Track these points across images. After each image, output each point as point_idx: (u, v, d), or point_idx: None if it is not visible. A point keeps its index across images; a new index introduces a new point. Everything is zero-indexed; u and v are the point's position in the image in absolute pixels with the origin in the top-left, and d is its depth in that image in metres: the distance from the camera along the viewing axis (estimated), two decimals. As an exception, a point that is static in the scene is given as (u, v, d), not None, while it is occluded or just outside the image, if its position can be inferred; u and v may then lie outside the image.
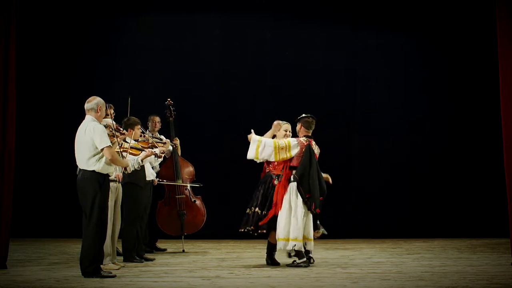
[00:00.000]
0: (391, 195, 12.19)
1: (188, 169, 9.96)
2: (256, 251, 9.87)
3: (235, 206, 11.88)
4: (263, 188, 8.34)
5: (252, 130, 8.37)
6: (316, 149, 8.46)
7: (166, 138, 9.69)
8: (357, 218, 12.15)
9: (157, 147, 9.28)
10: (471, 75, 12.26)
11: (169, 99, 10.04)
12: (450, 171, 12.22)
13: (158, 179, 9.58)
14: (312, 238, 8.20)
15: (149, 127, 9.71)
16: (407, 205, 12.18)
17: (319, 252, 9.68)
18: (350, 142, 12.29)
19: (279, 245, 8.06)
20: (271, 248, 8.30)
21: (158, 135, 9.75)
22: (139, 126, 8.81)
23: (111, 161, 7.27)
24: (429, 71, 12.37)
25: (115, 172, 8.15)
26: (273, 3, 12.24)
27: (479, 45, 12.03)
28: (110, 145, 7.23)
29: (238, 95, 12.26)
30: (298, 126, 8.53)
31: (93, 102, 7.36)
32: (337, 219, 12.04)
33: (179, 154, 9.91)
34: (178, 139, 9.94)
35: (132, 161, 8.20)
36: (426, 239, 11.42)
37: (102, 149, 7.18)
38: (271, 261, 8.29)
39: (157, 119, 9.75)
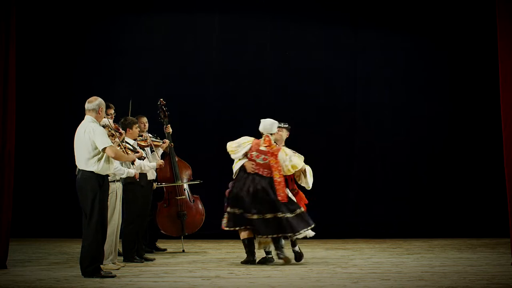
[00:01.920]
0: (391, 195, 12.18)
1: (186, 170, 9.96)
2: (256, 251, 9.86)
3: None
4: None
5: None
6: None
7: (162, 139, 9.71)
8: (357, 218, 12.14)
9: (157, 146, 9.36)
10: (472, 75, 12.25)
11: (161, 99, 9.99)
12: (450, 171, 12.21)
13: (157, 182, 9.54)
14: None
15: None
16: (407, 205, 12.17)
17: (319, 252, 9.70)
18: (350, 142, 12.29)
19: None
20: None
21: (149, 135, 9.66)
22: (137, 126, 8.83)
23: (116, 159, 7.32)
24: (429, 71, 12.36)
25: (134, 170, 8.22)
26: (273, 3, 12.24)
27: (480, 45, 12.03)
28: (111, 144, 7.24)
29: (238, 95, 12.25)
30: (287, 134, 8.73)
31: (95, 103, 7.35)
32: (337, 219, 12.05)
33: (172, 145, 9.83)
34: (170, 128, 9.84)
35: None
36: (426, 239, 11.41)
37: (104, 150, 7.18)
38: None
39: (144, 119, 9.49)
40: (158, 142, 9.47)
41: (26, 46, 11.52)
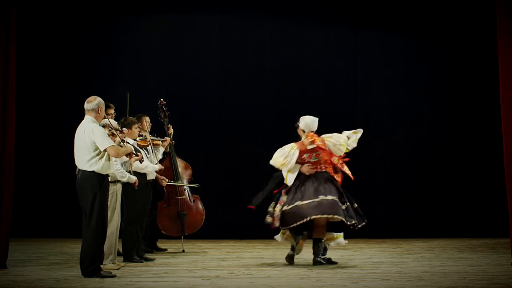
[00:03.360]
0: (392, 195, 12.18)
1: (186, 170, 9.96)
2: (256, 251, 9.88)
3: (235, 206, 11.94)
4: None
5: None
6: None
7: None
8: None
9: (158, 145, 9.36)
10: (472, 75, 12.25)
11: (161, 99, 9.98)
12: (450, 171, 12.21)
13: (169, 181, 9.55)
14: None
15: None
16: (407, 205, 12.17)
17: (319, 252, 9.69)
18: (350, 142, 12.27)
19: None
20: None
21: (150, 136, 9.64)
22: (137, 125, 8.83)
23: (118, 157, 7.40)
24: (430, 71, 12.37)
25: (135, 178, 8.21)
26: (273, 3, 12.24)
27: (480, 45, 12.03)
28: (112, 144, 7.24)
29: (238, 95, 12.25)
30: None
31: (94, 102, 7.35)
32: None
33: (173, 142, 9.82)
34: (172, 128, 9.86)
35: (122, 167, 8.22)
36: (426, 239, 11.41)
37: (105, 150, 7.18)
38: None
39: (147, 118, 9.46)
40: (158, 141, 9.47)
41: (26, 46, 11.51)
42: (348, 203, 8.23)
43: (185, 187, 9.84)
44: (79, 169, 7.32)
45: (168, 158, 9.76)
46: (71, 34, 12.21)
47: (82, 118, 7.39)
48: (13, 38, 8.10)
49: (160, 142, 9.50)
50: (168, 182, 9.54)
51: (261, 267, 8.10)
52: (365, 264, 8.32)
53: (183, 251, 9.79)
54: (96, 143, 7.18)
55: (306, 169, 8.24)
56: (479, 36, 12.01)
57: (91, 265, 7.18)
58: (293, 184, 8.27)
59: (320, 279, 7.11)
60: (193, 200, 9.89)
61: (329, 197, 8.06)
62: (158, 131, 9.81)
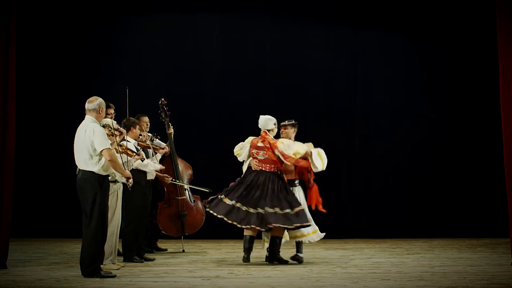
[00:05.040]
0: (391, 195, 12.18)
1: (187, 170, 9.95)
2: (256, 251, 9.85)
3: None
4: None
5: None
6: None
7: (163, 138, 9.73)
8: (357, 218, 12.14)
9: (157, 149, 9.34)
10: (472, 75, 12.25)
11: (162, 99, 9.98)
12: (450, 171, 12.21)
13: (172, 179, 9.54)
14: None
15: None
16: (407, 205, 12.17)
17: (319, 252, 9.70)
18: (350, 142, 12.28)
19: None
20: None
21: (150, 135, 9.61)
22: (138, 126, 8.83)
23: (110, 163, 7.24)
24: (430, 71, 12.36)
25: (131, 181, 8.18)
26: (273, 3, 12.23)
27: (480, 45, 12.03)
28: (109, 147, 7.23)
29: (238, 95, 12.25)
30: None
31: (95, 103, 7.35)
32: (337, 219, 12.04)
33: (168, 152, 9.81)
34: (172, 128, 9.86)
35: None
36: (426, 239, 11.41)
37: (101, 151, 7.18)
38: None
39: (146, 119, 9.48)
40: (157, 147, 9.44)
41: (26, 46, 11.51)
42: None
43: (185, 187, 9.83)
44: (79, 169, 7.32)
45: (168, 158, 9.76)
46: (71, 34, 12.20)
47: (83, 118, 7.39)
48: (13, 38, 8.10)
49: (158, 148, 9.47)
50: (171, 180, 9.53)
51: (261, 267, 8.10)
52: (365, 264, 8.33)
53: (183, 251, 9.80)
54: (94, 143, 7.18)
55: (252, 163, 8.60)
56: (479, 36, 12.00)
57: (91, 265, 7.18)
58: (243, 177, 8.61)
59: (320, 279, 7.12)
60: (194, 200, 9.89)
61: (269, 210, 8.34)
62: (158, 131, 9.81)
